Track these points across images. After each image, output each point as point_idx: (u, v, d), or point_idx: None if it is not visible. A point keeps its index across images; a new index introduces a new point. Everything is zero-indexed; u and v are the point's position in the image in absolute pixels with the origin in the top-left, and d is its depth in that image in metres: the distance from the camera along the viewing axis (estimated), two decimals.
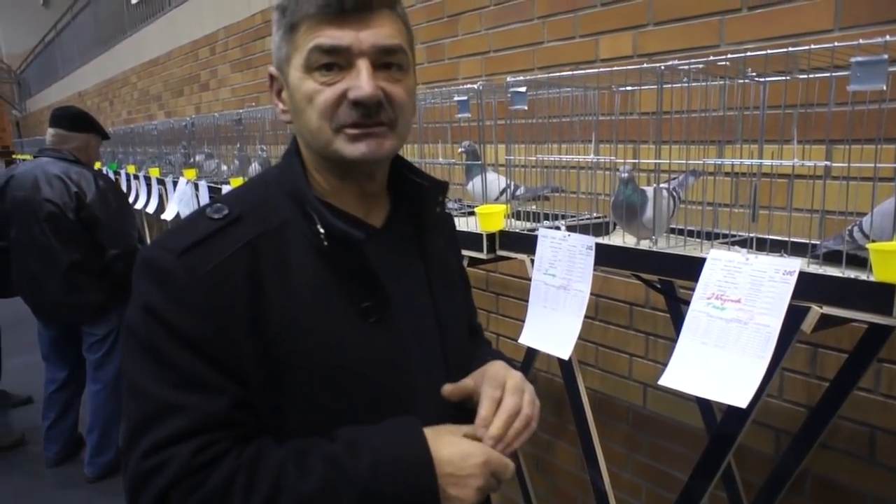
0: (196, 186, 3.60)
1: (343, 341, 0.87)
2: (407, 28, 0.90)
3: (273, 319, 0.83)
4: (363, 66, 0.84)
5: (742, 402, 1.14)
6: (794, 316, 1.13)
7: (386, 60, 0.86)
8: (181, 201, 3.77)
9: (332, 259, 0.87)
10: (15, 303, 3.37)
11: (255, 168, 3.18)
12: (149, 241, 5.77)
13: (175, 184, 3.90)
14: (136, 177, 4.87)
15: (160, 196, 4.37)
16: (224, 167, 3.76)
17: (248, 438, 0.82)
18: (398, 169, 1.01)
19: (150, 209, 4.50)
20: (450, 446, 0.85)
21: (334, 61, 0.84)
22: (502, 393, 0.92)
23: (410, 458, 0.82)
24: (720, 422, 1.36)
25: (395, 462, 0.81)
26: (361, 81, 0.83)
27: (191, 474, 0.77)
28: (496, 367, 0.98)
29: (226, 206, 0.88)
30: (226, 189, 3.17)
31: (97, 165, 6.05)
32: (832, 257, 1.19)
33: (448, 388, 0.95)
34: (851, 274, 1.11)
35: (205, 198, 3.49)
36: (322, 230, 0.86)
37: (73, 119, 3.23)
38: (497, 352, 1.13)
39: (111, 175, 5.56)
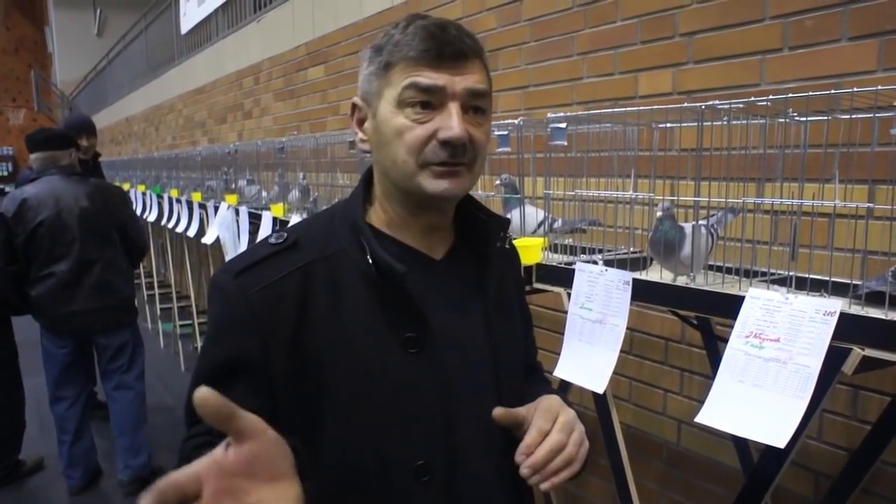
0: (237, 212, 3.69)
1: (380, 368, 0.90)
2: (489, 76, 0.96)
3: (315, 342, 0.88)
4: (454, 108, 0.89)
5: (780, 442, 1.12)
6: (834, 357, 1.12)
7: (473, 104, 0.91)
8: (221, 225, 3.86)
9: (380, 289, 0.91)
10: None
11: (294, 195, 3.25)
12: (170, 263, 5.92)
13: (216, 209, 4.00)
14: (179, 201, 4.99)
15: (201, 220, 4.47)
16: (265, 193, 3.84)
17: None
18: (464, 205, 1.04)
19: (191, 233, 4.61)
20: None
21: (428, 100, 0.89)
22: (552, 426, 0.93)
23: None
24: (757, 462, 1.34)
25: None
26: (453, 123, 0.88)
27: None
28: (551, 401, 0.98)
29: (286, 233, 0.95)
30: (266, 215, 3.24)
31: (125, 186, 6.27)
32: (874, 298, 1.18)
33: (499, 412, 0.94)
34: (894, 316, 1.10)
35: (245, 223, 3.56)
36: (371, 260, 0.90)
37: (57, 141, 3.41)
38: (555, 390, 1.13)
39: (154, 197, 5.72)
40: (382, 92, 0.91)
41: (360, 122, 0.96)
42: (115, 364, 3.43)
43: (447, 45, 0.89)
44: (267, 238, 0.96)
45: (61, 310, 3.27)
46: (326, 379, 0.88)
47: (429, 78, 0.88)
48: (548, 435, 0.91)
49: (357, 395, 0.89)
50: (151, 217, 5.64)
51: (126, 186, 6.44)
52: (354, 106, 0.97)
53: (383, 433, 0.90)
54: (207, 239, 4.13)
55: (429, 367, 0.93)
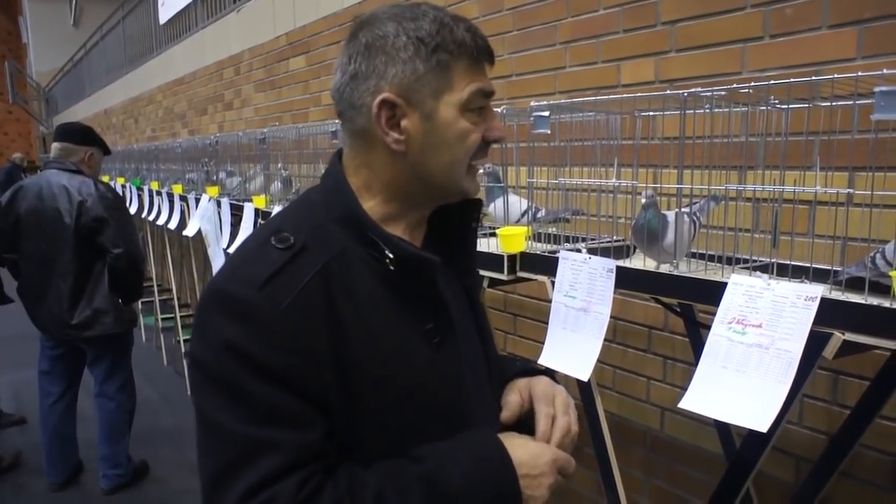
0: (218, 204, 3.65)
1: (413, 364, 0.89)
2: None
3: (348, 345, 0.84)
4: (494, 111, 0.93)
5: (762, 426, 1.14)
6: (815, 342, 1.13)
7: None
8: (203, 218, 3.82)
9: (396, 283, 0.88)
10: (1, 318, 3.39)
11: (276, 186, 3.22)
12: (151, 256, 5.86)
13: (197, 201, 3.96)
14: (159, 193, 4.94)
15: (182, 213, 4.43)
16: (247, 185, 3.81)
17: (334, 467, 0.83)
18: None
19: (172, 225, 4.57)
20: (521, 448, 0.91)
21: (486, 105, 0.91)
22: (555, 410, 0.99)
23: (495, 467, 0.87)
24: (740, 447, 1.35)
25: (483, 473, 0.86)
26: (498, 123, 0.93)
27: None
28: (543, 385, 1.03)
29: (288, 234, 0.87)
30: (248, 207, 3.21)
31: (105, 179, 6.16)
32: (854, 284, 1.19)
33: (507, 416, 0.99)
34: (874, 301, 1.11)
35: (227, 215, 3.53)
36: (391, 256, 0.87)
37: (79, 133, 3.36)
38: (527, 361, 1.17)
39: (133, 190, 5.65)
40: (442, 93, 0.88)
41: (392, 121, 0.88)
42: (94, 371, 3.38)
43: (490, 47, 0.92)
44: (267, 240, 0.87)
45: (31, 305, 3.25)
46: (361, 382, 0.84)
47: (488, 84, 0.91)
48: (555, 420, 0.97)
49: (394, 393, 0.87)
50: (132, 210, 5.57)
51: (105, 179, 6.35)
52: (389, 103, 0.87)
53: (421, 426, 0.89)
54: (189, 231, 4.09)
55: (449, 358, 0.93)
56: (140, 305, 6.16)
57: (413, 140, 0.88)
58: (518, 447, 0.90)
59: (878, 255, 1.20)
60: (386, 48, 0.87)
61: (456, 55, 0.87)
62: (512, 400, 1.01)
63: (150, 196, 5.16)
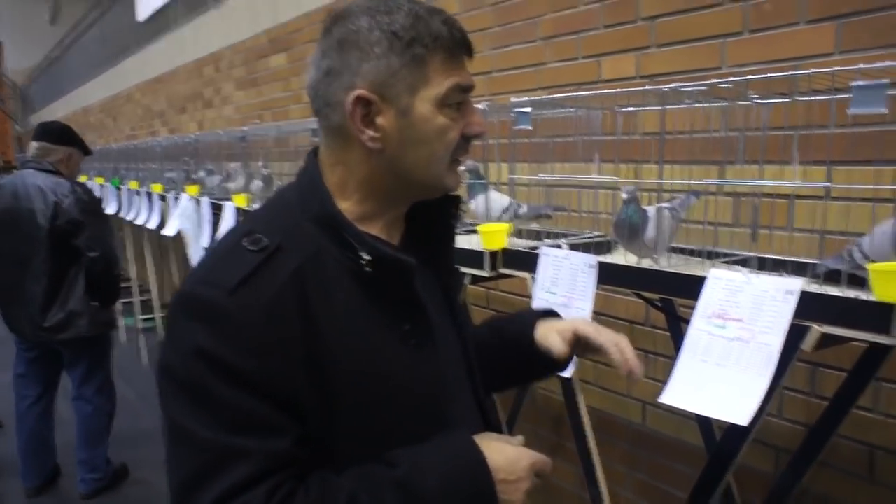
0: (198, 203, 3.62)
1: (390, 366, 0.87)
2: None
3: (324, 349, 0.82)
4: (474, 106, 0.91)
5: (743, 420, 1.14)
6: (794, 335, 1.14)
7: None
8: (183, 217, 3.79)
9: (372, 285, 0.87)
10: None
11: (257, 185, 3.20)
12: (130, 255, 5.79)
13: (177, 200, 3.92)
14: (138, 192, 4.89)
15: (161, 212, 4.38)
16: (228, 184, 3.78)
17: (307, 473, 0.82)
18: None
19: (152, 225, 4.52)
20: (498, 453, 0.88)
21: (465, 100, 0.89)
22: (607, 336, 1.04)
23: (472, 472, 0.85)
24: (720, 440, 1.36)
25: (459, 479, 0.83)
26: (479, 118, 0.91)
27: None
28: (582, 322, 1.09)
29: (261, 235, 0.85)
30: (228, 206, 3.19)
31: (83, 178, 6.08)
32: (832, 276, 1.20)
33: (562, 350, 1.04)
34: (852, 294, 1.12)
35: (207, 214, 3.50)
36: (367, 257, 0.85)
37: (57, 133, 3.31)
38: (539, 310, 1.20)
39: (112, 189, 5.59)
40: (418, 88, 0.85)
41: (367, 118, 0.85)
42: (71, 374, 3.33)
43: (469, 40, 0.89)
44: (238, 241, 0.85)
45: (4, 307, 3.21)
46: (338, 386, 0.83)
47: (467, 79, 0.88)
48: (617, 343, 1.03)
49: (371, 396, 0.85)
50: (110, 210, 5.51)
51: (83, 178, 6.28)
52: (363, 100, 0.84)
53: (400, 429, 0.88)
54: (169, 231, 4.05)
55: (428, 360, 0.91)
56: (120, 306, 6.11)
57: (389, 137, 0.86)
58: (495, 451, 0.87)
59: (855, 248, 1.21)
60: (359, 43, 0.85)
61: (432, 49, 0.85)
62: (555, 340, 1.04)
63: (129, 195, 5.10)
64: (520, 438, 0.94)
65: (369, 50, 0.84)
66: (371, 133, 0.86)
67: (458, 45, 0.87)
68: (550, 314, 1.14)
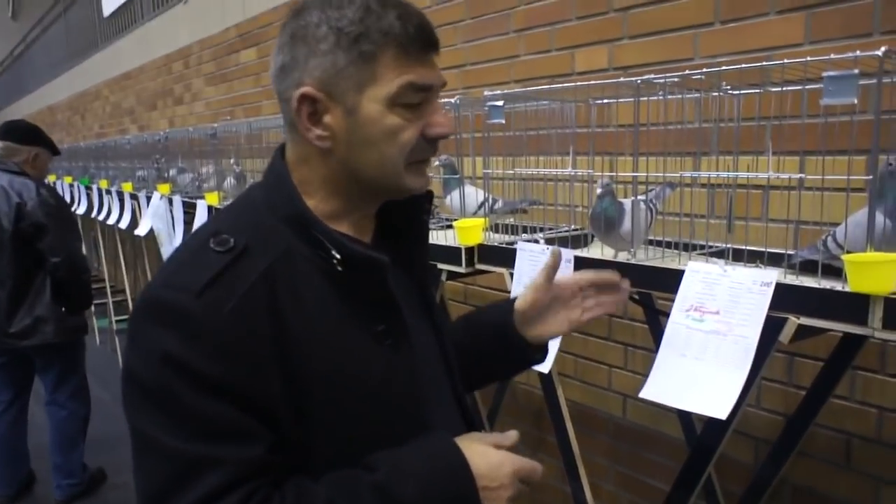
0: (170, 201, 3.56)
1: (365, 367, 0.85)
2: None
3: (296, 351, 0.80)
4: (438, 104, 0.86)
5: (722, 413, 1.14)
6: (772, 327, 1.14)
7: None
8: (155, 216, 3.72)
9: (344, 284, 0.84)
10: None
11: (230, 182, 3.15)
12: (103, 256, 5.69)
13: (149, 199, 3.85)
14: (109, 192, 4.79)
15: (133, 211, 4.31)
16: (199, 183, 3.72)
17: (282, 480, 0.79)
18: None
19: (123, 225, 4.44)
20: (482, 458, 0.85)
21: (421, 100, 0.84)
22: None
23: (453, 477, 0.82)
24: (700, 433, 1.36)
25: (440, 484, 0.81)
26: (442, 119, 0.86)
27: None
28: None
29: (228, 235, 0.82)
30: (201, 204, 3.13)
31: (52, 178, 5.95)
32: (806, 266, 1.20)
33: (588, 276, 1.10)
34: (827, 284, 1.12)
35: (179, 213, 3.44)
36: (338, 256, 0.83)
37: (22, 132, 3.23)
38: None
39: (82, 189, 5.48)
40: (365, 87, 0.81)
41: (314, 116, 0.83)
42: (44, 379, 3.26)
43: (432, 36, 0.84)
44: (205, 242, 0.82)
45: None
46: (311, 388, 0.80)
47: (423, 77, 0.83)
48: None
49: (346, 398, 0.83)
50: (81, 210, 5.41)
51: (52, 178, 6.16)
52: (308, 98, 0.82)
53: (376, 431, 0.85)
54: (141, 230, 3.98)
55: (403, 359, 0.89)
56: (93, 308, 6.02)
57: (338, 137, 0.84)
58: (478, 456, 0.84)
59: (829, 238, 1.21)
60: (307, 38, 0.82)
61: (381, 45, 0.80)
62: (528, 290, 1.08)
63: (100, 195, 5.00)
64: (512, 435, 0.90)
65: (315, 46, 0.81)
66: (318, 132, 0.83)
67: (412, 41, 0.81)
68: None
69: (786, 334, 1.14)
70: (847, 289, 1.08)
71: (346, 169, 0.86)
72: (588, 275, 1.10)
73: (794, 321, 1.13)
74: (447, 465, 0.83)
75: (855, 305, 1.06)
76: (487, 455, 0.86)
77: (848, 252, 1.12)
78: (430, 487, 0.80)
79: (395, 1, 0.83)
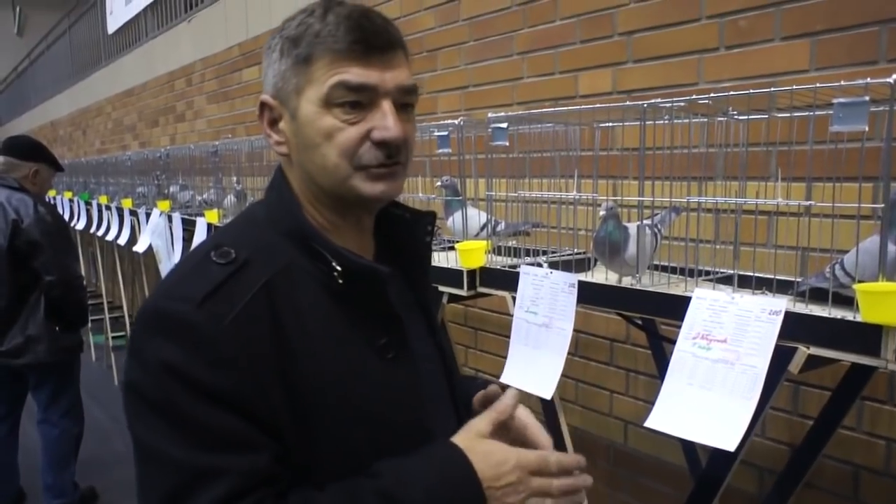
0: (170, 218, 3.54)
1: (366, 380, 0.84)
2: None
3: (297, 363, 0.79)
4: (388, 107, 0.83)
5: (730, 445, 1.11)
6: (780, 356, 1.12)
7: (404, 101, 0.85)
8: (154, 233, 3.70)
9: (345, 297, 0.83)
10: None
11: (230, 200, 3.13)
12: (101, 272, 5.65)
13: (148, 215, 3.83)
14: (108, 208, 4.78)
15: (132, 228, 4.29)
16: (199, 198, 3.71)
17: (286, 491, 0.78)
18: (384, 206, 0.98)
19: (122, 241, 4.42)
20: (484, 459, 0.81)
21: (358, 99, 0.81)
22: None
23: (459, 482, 0.79)
24: (706, 465, 1.33)
25: (446, 488, 0.78)
26: (389, 123, 0.82)
27: None
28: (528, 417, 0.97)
29: (229, 248, 0.82)
30: (200, 221, 3.11)
31: (52, 193, 5.93)
32: (814, 294, 1.18)
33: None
34: (838, 314, 1.10)
35: (178, 230, 3.42)
36: (339, 268, 0.82)
37: (24, 148, 3.22)
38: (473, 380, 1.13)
39: (82, 204, 5.47)
40: (303, 89, 0.82)
41: (272, 123, 0.87)
42: (36, 397, 3.21)
43: (375, 37, 0.81)
44: (206, 255, 0.82)
45: None
46: (313, 400, 0.79)
47: (358, 76, 0.81)
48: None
49: (348, 411, 0.81)
50: (80, 225, 5.39)
51: (52, 193, 6.15)
52: (264, 105, 0.86)
53: (378, 443, 0.83)
54: (139, 247, 3.96)
55: (405, 373, 0.88)
56: (89, 325, 5.98)
57: (290, 142, 0.86)
58: (480, 458, 0.81)
59: (837, 266, 1.19)
60: (269, 51, 0.86)
61: (315, 46, 0.81)
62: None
63: (99, 211, 4.99)
64: (511, 394, 0.88)
65: (270, 55, 0.86)
66: (276, 137, 0.87)
67: (345, 40, 0.80)
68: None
69: (795, 364, 1.12)
70: (859, 318, 1.05)
71: (305, 175, 0.87)
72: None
73: (804, 351, 1.11)
74: (453, 469, 0.80)
75: (867, 336, 1.04)
76: (490, 455, 0.82)
77: (858, 281, 1.10)
78: (435, 492, 0.78)
79: (341, 5, 0.83)
